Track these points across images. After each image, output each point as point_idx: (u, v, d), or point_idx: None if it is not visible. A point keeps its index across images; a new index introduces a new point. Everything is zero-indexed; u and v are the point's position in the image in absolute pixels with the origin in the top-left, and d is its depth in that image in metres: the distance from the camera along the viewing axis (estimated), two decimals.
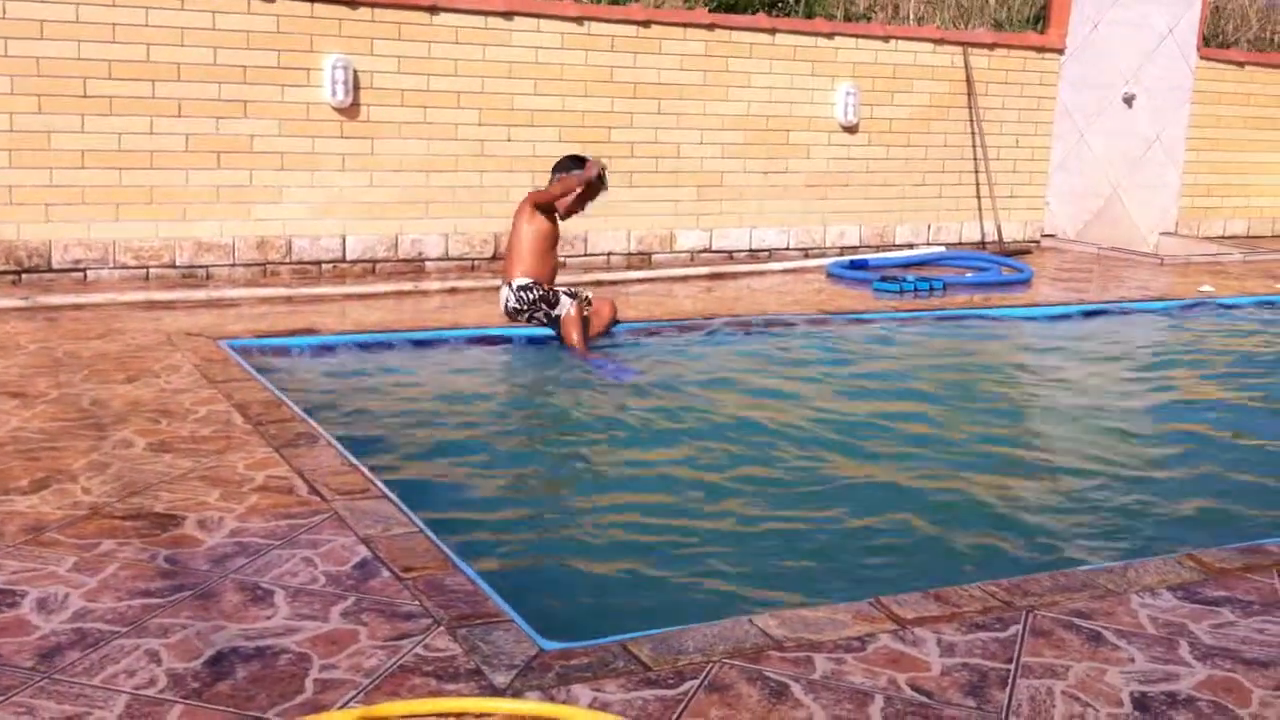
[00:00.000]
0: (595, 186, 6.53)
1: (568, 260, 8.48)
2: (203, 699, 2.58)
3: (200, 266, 7.60)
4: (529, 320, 6.48)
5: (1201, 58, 11.39)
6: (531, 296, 6.40)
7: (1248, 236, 12.06)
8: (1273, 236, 12.22)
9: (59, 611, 2.96)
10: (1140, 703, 2.72)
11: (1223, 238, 11.81)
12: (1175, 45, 11.21)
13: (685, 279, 8.49)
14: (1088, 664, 2.88)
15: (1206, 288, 8.94)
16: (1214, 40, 12.40)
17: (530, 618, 3.02)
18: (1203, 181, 11.72)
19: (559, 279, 6.80)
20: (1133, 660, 2.91)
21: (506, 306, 6.51)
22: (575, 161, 6.59)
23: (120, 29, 7.21)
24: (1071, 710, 2.67)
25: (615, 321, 6.71)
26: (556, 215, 6.59)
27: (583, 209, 6.68)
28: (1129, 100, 11.04)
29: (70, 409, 4.68)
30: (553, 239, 6.57)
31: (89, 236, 7.30)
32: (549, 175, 6.73)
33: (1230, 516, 4.46)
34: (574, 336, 6.33)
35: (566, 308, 6.37)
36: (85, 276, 7.31)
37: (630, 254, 8.90)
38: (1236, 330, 7.98)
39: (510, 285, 6.46)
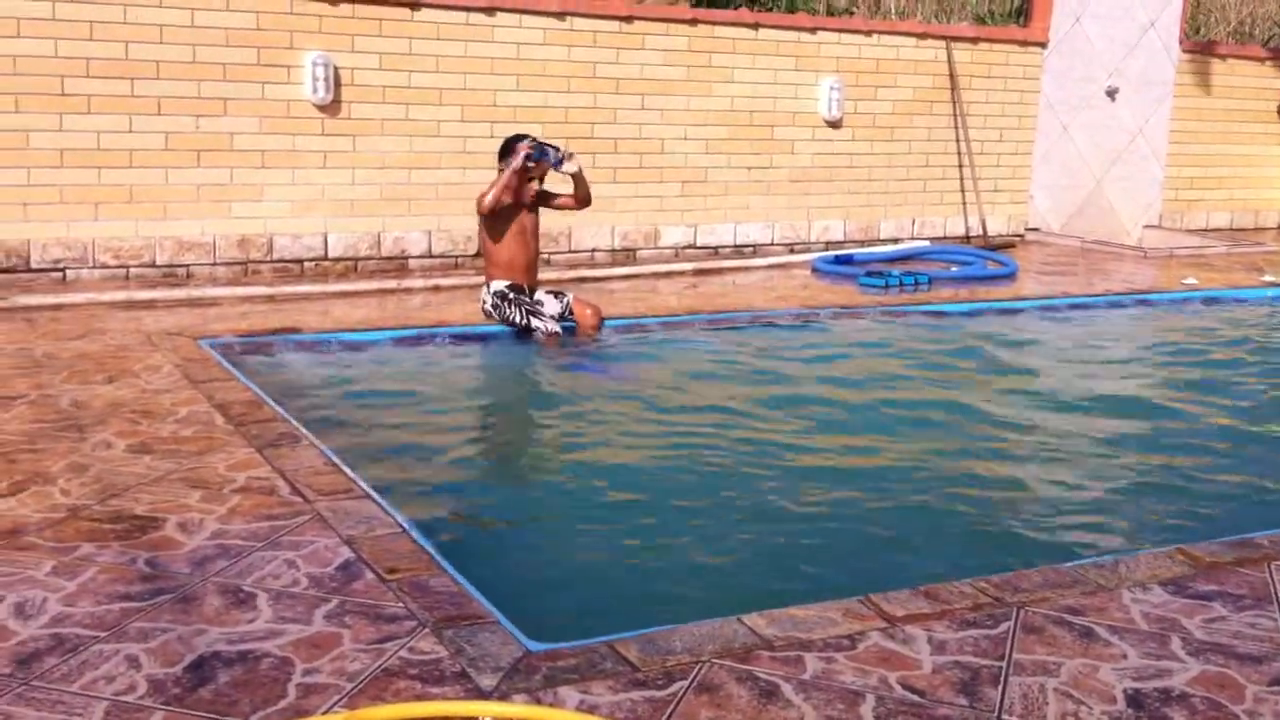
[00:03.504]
0: (530, 165, 6.33)
1: (551, 257, 8.44)
2: (183, 705, 2.54)
3: (181, 265, 7.54)
4: (501, 322, 6.42)
5: (1184, 50, 11.39)
6: (504, 314, 6.36)
7: (1231, 229, 12.07)
8: (1255, 229, 12.23)
9: (37, 616, 2.91)
10: (1134, 700, 2.69)
11: (1206, 230, 11.82)
12: (1157, 38, 11.21)
13: (670, 275, 8.45)
14: (1080, 661, 2.86)
15: (1190, 280, 8.94)
16: (1195, 33, 12.41)
17: (516, 619, 2.98)
18: (1185, 174, 11.73)
19: (543, 276, 6.71)
20: (1125, 656, 2.89)
21: (483, 308, 6.48)
22: (526, 147, 6.34)
23: (98, 26, 7.15)
24: (1065, 708, 2.65)
25: (599, 328, 6.60)
26: (525, 205, 6.41)
27: (536, 181, 6.48)
28: (1112, 93, 11.03)
29: (49, 410, 4.63)
30: (518, 231, 6.39)
31: (68, 236, 7.23)
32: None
33: (1221, 509, 4.45)
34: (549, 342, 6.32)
35: (540, 330, 6.33)
36: (64, 276, 7.24)
37: (615, 250, 8.86)
38: (1223, 322, 7.98)
39: (488, 288, 6.41)
